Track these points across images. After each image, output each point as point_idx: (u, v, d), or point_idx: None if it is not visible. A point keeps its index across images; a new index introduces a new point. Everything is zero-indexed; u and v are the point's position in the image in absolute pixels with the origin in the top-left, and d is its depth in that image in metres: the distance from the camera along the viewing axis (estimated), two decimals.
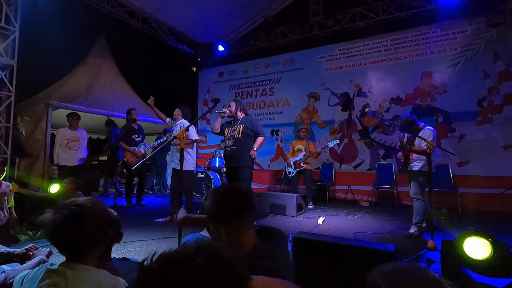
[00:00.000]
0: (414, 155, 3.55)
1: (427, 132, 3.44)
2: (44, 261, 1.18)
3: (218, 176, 6.67)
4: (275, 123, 7.55)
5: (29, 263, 1.21)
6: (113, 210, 1.31)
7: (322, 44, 7.05)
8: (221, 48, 8.12)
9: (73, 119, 5.11)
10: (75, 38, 6.44)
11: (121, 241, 2.97)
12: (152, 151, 4.73)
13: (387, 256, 1.73)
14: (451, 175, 5.20)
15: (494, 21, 5.28)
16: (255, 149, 3.71)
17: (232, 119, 3.94)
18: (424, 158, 3.40)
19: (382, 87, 6.30)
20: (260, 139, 3.80)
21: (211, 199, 1.10)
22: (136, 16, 6.85)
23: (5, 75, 4.92)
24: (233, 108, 3.84)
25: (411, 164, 3.57)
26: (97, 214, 0.97)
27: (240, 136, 3.73)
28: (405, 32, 6.14)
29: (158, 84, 8.13)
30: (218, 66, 8.63)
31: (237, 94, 8.23)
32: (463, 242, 1.60)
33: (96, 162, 8.81)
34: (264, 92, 7.84)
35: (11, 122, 5.02)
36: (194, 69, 8.90)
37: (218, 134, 4.02)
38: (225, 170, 4.08)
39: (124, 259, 1.32)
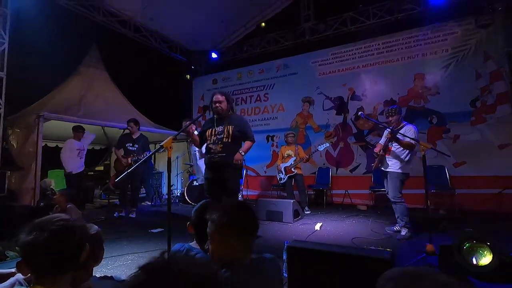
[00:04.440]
0: (392, 154, 3.53)
1: (409, 127, 3.46)
2: (20, 283, 1.11)
3: None
4: (270, 128, 7.53)
5: (3, 284, 1.14)
6: (95, 226, 1.24)
7: (314, 49, 7.08)
8: (214, 55, 8.14)
9: (79, 132, 5.57)
10: (67, 49, 6.41)
11: (114, 254, 2.88)
12: (135, 163, 4.68)
13: (384, 263, 1.68)
14: (447, 176, 5.18)
15: (483, 22, 5.33)
16: (242, 153, 3.10)
17: (213, 119, 3.23)
18: (402, 158, 3.44)
19: (375, 90, 6.31)
20: (249, 144, 3.21)
21: (222, 213, 1.10)
22: (128, 25, 6.84)
23: None
24: (224, 105, 3.16)
25: (387, 163, 3.56)
26: (81, 231, 0.92)
27: (229, 140, 3.09)
28: (396, 35, 6.18)
29: (152, 92, 8.10)
30: (211, 73, 8.64)
31: (232, 101, 8.19)
32: (461, 247, 1.56)
33: (92, 173, 8.71)
34: (258, 98, 7.83)
35: (1, 135, 4.93)
36: (188, 76, 8.88)
37: (199, 145, 3.40)
38: (207, 181, 3.27)
39: (106, 277, 1.26)
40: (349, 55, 6.64)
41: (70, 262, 0.91)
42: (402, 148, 3.44)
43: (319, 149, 5.51)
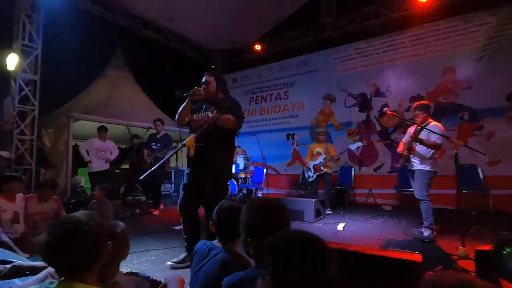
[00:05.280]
0: (416, 154, 3.39)
1: (435, 124, 3.29)
2: (52, 276, 1.16)
3: (235, 182, 6.63)
4: (291, 126, 7.45)
5: (36, 277, 1.20)
6: (121, 223, 1.27)
7: (336, 45, 6.91)
8: (233, 54, 8.17)
9: (102, 132, 5.56)
10: (94, 52, 6.70)
11: (138, 250, 2.96)
12: (155, 161, 4.80)
13: (412, 266, 1.60)
14: (481, 176, 4.87)
15: None
16: (209, 114, 2.40)
17: (203, 102, 2.63)
18: (428, 157, 3.30)
19: (401, 85, 6.05)
20: (229, 116, 2.42)
21: (252, 213, 1.10)
22: (150, 27, 7.02)
23: (29, 90, 5.15)
24: (212, 87, 2.54)
25: (413, 163, 3.44)
26: (94, 229, 0.93)
27: (211, 127, 2.35)
28: (423, 28, 5.89)
29: (173, 92, 8.28)
30: (231, 72, 8.68)
31: (252, 99, 8.22)
32: (501, 252, 1.44)
33: (118, 171, 9.08)
34: (278, 96, 7.78)
35: (35, 135, 5.24)
36: None
37: (187, 125, 2.69)
38: (187, 177, 2.64)
39: (132, 273, 1.28)
40: (373, 50, 6.42)
41: (87, 260, 0.92)
42: (426, 148, 3.30)
43: (351, 148, 5.30)
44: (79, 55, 6.10)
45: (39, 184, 3.48)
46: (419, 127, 3.29)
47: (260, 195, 6.56)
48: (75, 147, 5.96)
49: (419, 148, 3.37)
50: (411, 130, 3.55)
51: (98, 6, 6.05)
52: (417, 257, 1.65)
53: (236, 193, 6.47)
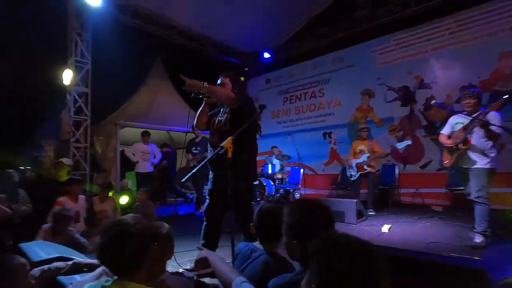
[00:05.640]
0: (474, 148, 2.91)
1: (494, 114, 2.87)
2: (106, 273, 1.24)
3: (272, 183, 6.62)
4: (327, 125, 7.25)
5: (92, 274, 1.29)
6: (166, 224, 1.32)
7: (373, 37, 6.57)
8: (266, 55, 8.18)
9: (145, 136, 6.12)
10: (136, 62, 7.15)
11: (180, 250, 3.08)
12: (198, 164, 4.95)
13: (474, 275, 1.44)
14: None
15: None
16: (206, 84, 2.35)
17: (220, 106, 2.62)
18: (488, 152, 2.86)
19: (449, 75, 5.56)
20: (227, 91, 2.47)
21: (295, 215, 1.08)
22: (185, 35, 7.30)
23: (82, 102, 5.66)
24: (228, 87, 2.53)
25: (471, 159, 2.94)
26: (142, 232, 0.98)
27: (228, 127, 2.36)
28: (472, 10, 5.36)
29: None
30: (265, 73, 8.70)
31: (286, 99, 8.16)
32: None
33: (160, 174, 9.60)
34: (313, 94, 7.62)
35: (88, 142, 5.73)
36: (242, 78, 9.08)
37: (206, 129, 2.68)
38: (214, 181, 2.59)
39: (177, 273, 1.33)
40: (415, 39, 5.98)
41: (135, 261, 0.97)
42: (485, 139, 2.86)
43: (398, 147, 4.94)
44: (122, 66, 6.56)
45: (100, 186, 3.99)
46: (475, 116, 2.87)
47: (297, 196, 6.46)
48: (122, 152, 6.42)
49: (476, 140, 2.91)
50: (453, 120, 3.14)
51: (138, 20, 6.44)
52: (481, 264, 1.49)
53: (273, 194, 6.45)
